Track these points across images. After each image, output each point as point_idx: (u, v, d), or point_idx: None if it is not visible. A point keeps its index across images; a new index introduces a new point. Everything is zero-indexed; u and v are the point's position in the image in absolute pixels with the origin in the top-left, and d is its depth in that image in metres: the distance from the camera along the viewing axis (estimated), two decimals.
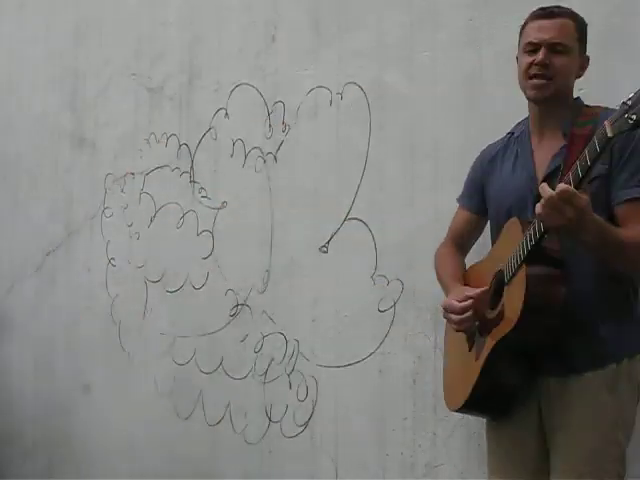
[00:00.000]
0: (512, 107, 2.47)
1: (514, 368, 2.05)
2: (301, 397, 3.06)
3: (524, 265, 1.92)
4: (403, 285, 2.78)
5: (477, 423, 2.51)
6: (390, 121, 2.87)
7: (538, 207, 1.78)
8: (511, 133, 2.27)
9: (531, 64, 2.06)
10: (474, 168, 2.36)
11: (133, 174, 3.86)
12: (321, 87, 3.08)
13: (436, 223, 2.70)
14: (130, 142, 3.89)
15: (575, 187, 1.74)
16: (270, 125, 3.26)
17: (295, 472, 3.06)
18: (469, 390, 2.09)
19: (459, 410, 2.21)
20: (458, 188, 2.45)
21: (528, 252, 1.90)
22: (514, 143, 2.22)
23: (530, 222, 1.92)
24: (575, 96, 2.16)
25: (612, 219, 1.95)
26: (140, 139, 3.83)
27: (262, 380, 3.20)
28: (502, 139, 2.30)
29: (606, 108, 2.02)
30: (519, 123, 2.27)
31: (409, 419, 2.73)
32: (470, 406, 2.14)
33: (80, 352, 4.02)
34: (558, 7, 2.10)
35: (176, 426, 3.52)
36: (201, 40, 3.59)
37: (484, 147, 2.37)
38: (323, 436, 2.98)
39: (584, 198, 1.75)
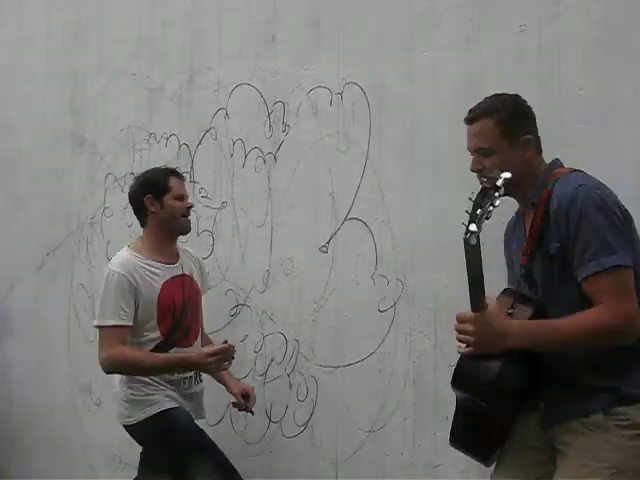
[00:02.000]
0: None
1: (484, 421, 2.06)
2: (301, 397, 3.06)
3: None
4: (403, 285, 2.78)
5: None
6: (390, 121, 2.86)
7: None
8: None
9: None
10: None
11: (133, 174, 3.86)
12: (321, 87, 3.08)
13: (436, 223, 2.70)
14: (130, 142, 3.89)
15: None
16: (270, 125, 3.26)
17: (295, 472, 3.06)
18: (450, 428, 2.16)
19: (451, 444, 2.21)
20: (458, 188, 2.44)
21: None
22: (519, 221, 2.22)
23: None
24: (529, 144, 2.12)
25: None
26: (140, 139, 3.83)
27: (262, 380, 3.21)
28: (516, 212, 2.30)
29: (572, 171, 2.03)
30: None
31: (409, 419, 2.73)
32: (454, 444, 2.17)
33: (80, 352, 4.02)
34: (478, 107, 2.12)
35: None
36: (201, 40, 3.59)
37: None
38: (323, 436, 2.98)
39: (478, 319, 1.91)
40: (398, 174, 2.82)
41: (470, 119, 2.12)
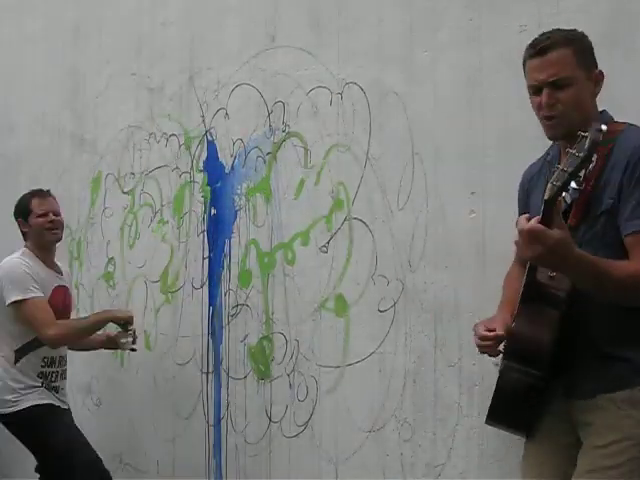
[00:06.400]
0: (512, 107, 2.47)
1: (523, 391, 2.04)
2: (301, 397, 3.06)
3: (520, 299, 1.98)
4: (403, 285, 2.78)
5: (477, 423, 2.51)
6: (390, 121, 2.86)
7: (515, 242, 1.82)
8: (547, 153, 2.19)
9: (539, 106, 1.99)
10: (519, 189, 2.28)
11: (133, 174, 3.86)
12: (321, 87, 3.08)
13: (436, 223, 2.70)
14: (130, 142, 3.89)
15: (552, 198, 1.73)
16: (270, 125, 3.26)
17: (295, 472, 3.06)
18: (489, 403, 2.12)
19: (488, 421, 2.19)
20: (458, 188, 2.45)
21: (524, 286, 1.95)
22: (547, 166, 2.14)
23: None
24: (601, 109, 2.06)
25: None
26: (140, 139, 3.84)
27: (262, 380, 3.21)
28: (540, 158, 2.22)
29: (629, 125, 1.98)
30: (555, 143, 2.17)
31: (409, 419, 2.73)
32: (490, 418, 2.13)
33: (80, 352, 4.02)
34: (549, 37, 1.99)
35: (176, 426, 3.52)
36: (201, 40, 3.59)
37: (484, 146, 2.36)
38: (323, 436, 2.98)
39: (553, 237, 1.73)
40: (398, 174, 2.82)
41: (543, 49, 1.96)
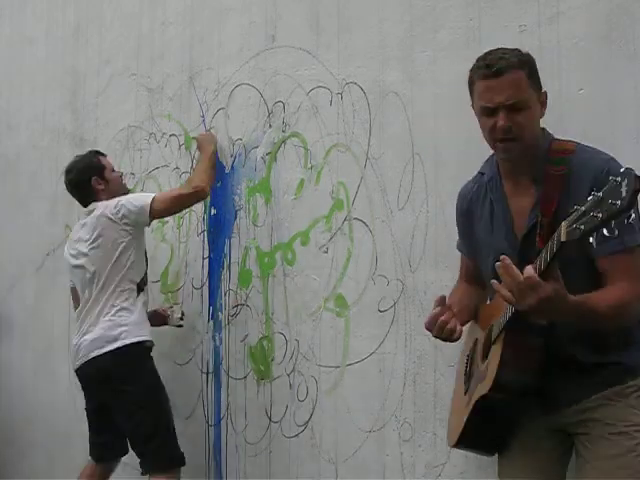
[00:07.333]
0: None
1: (500, 416, 2.08)
2: (301, 397, 3.06)
3: (504, 332, 1.96)
4: (403, 285, 2.78)
5: None
6: (390, 121, 2.86)
7: (499, 287, 1.80)
8: (481, 173, 2.20)
9: (494, 127, 1.96)
10: (457, 213, 2.30)
11: (133, 174, 3.86)
12: (321, 87, 3.08)
13: (436, 223, 2.70)
14: (130, 142, 3.89)
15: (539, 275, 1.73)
16: (270, 125, 3.26)
17: (295, 472, 3.06)
18: (459, 431, 2.16)
19: (455, 447, 2.25)
20: (458, 188, 2.44)
21: (508, 320, 1.93)
22: (486, 188, 2.14)
23: None
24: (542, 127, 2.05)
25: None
26: (140, 139, 3.84)
27: (262, 380, 3.21)
28: (474, 179, 2.23)
29: (577, 144, 1.99)
30: (487, 161, 2.20)
31: (409, 419, 2.73)
32: (461, 445, 2.20)
33: None
34: (502, 58, 1.95)
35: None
36: (201, 40, 3.59)
37: (484, 146, 2.36)
38: (323, 436, 2.98)
39: (547, 289, 1.73)
40: (398, 174, 2.82)
41: (499, 70, 1.92)
